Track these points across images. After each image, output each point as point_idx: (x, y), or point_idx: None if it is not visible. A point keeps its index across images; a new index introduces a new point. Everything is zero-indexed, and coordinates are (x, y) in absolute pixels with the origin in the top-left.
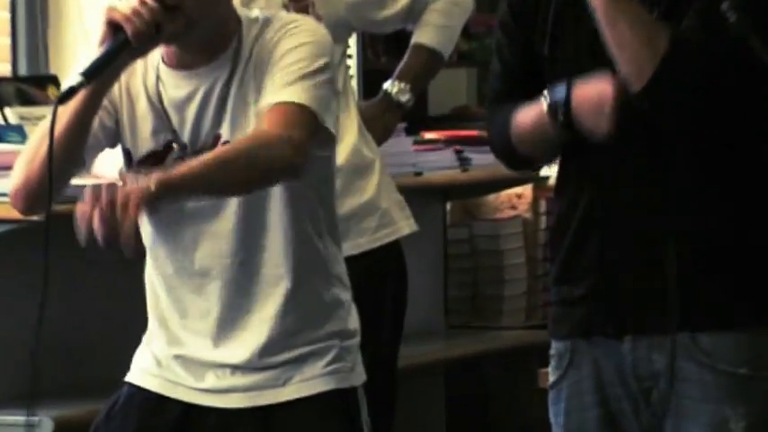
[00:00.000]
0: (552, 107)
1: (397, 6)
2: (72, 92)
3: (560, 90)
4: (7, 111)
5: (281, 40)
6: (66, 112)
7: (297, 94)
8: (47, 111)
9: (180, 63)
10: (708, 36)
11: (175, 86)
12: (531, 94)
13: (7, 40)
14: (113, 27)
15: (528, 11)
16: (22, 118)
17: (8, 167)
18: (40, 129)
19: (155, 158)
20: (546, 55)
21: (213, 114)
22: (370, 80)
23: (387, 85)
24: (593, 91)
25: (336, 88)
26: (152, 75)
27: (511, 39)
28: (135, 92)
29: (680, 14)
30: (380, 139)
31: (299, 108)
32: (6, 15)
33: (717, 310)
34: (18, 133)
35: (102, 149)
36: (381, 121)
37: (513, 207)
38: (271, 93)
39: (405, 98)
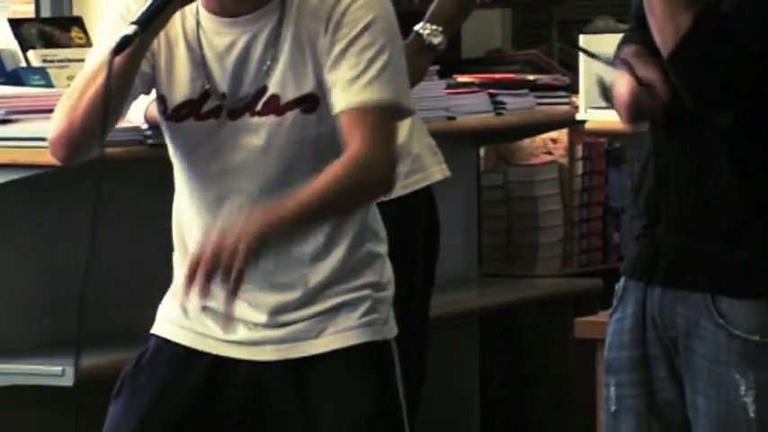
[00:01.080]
0: (600, 84)
1: None
2: (127, 41)
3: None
4: (30, 53)
5: (345, 9)
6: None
7: (378, 92)
8: (70, 53)
9: (223, 10)
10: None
11: (216, 33)
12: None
13: None
14: None
15: None
16: (45, 60)
17: (32, 111)
18: (83, 74)
19: (190, 107)
20: None
21: (257, 65)
22: (402, 23)
23: (418, 27)
24: (619, 83)
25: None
26: (191, 20)
27: None
28: (173, 36)
29: None
30: (412, 83)
31: (383, 110)
32: None
33: (739, 277)
34: (41, 76)
35: (137, 96)
36: (413, 64)
37: (549, 152)
38: (348, 89)
39: (437, 41)
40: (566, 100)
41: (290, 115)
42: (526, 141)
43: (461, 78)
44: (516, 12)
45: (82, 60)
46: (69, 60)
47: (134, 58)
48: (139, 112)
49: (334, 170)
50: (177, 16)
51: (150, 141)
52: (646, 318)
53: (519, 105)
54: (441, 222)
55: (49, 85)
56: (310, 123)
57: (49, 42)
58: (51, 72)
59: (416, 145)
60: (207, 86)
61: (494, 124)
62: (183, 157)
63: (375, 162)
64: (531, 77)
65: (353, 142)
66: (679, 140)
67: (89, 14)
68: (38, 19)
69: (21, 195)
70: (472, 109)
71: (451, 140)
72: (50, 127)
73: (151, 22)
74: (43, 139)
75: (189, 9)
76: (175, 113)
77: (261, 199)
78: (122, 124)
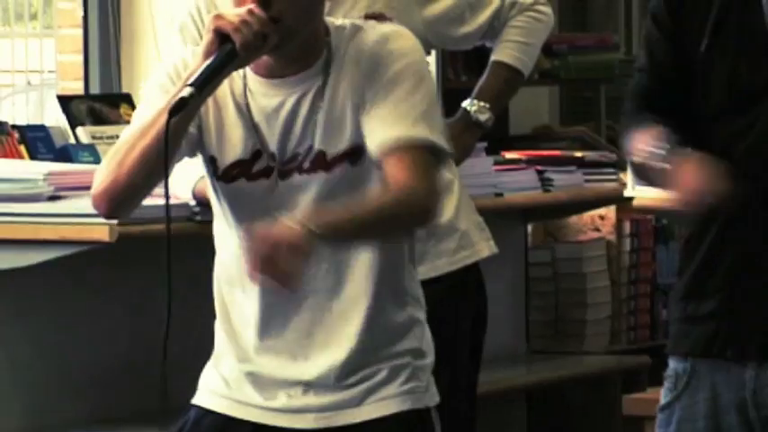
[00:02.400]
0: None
1: (476, 23)
2: (184, 104)
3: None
4: (79, 130)
5: (385, 59)
6: (159, 119)
7: (417, 130)
8: (119, 130)
9: (270, 72)
10: None
11: (264, 95)
12: (677, 95)
13: (80, 58)
14: (221, 36)
15: (686, 5)
16: (94, 137)
17: (80, 188)
18: (130, 132)
19: (241, 167)
20: (702, 55)
21: (303, 124)
22: (450, 99)
23: (466, 103)
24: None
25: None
26: (239, 82)
27: (663, 33)
28: (222, 99)
29: None
30: (460, 159)
31: (423, 147)
32: (79, 32)
33: None
34: (90, 153)
35: (182, 157)
36: (461, 140)
37: (597, 229)
38: (389, 127)
39: (484, 117)
40: (613, 177)
41: (338, 170)
42: (574, 218)
43: (509, 155)
44: (564, 88)
45: None
46: (118, 137)
47: (185, 120)
48: (187, 189)
49: (377, 193)
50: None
51: (198, 218)
52: (719, 402)
53: (567, 182)
54: (489, 298)
55: (98, 161)
56: (358, 175)
57: (98, 119)
58: (100, 149)
59: (464, 221)
60: (257, 147)
61: (541, 201)
62: (233, 216)
63: (418, 191)
64: (578, 154)
65: (396, 176)
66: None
67: (138, 91)
68: (87, 96)
69: (69, 271)
70: (520, 185)
71: (499, 217)
72: (95, 180)
73: (207, 85)
74: (91, 215)
75: (236, 71)
76: (226, 174)
77: (321, 259)
78: (171, 201)
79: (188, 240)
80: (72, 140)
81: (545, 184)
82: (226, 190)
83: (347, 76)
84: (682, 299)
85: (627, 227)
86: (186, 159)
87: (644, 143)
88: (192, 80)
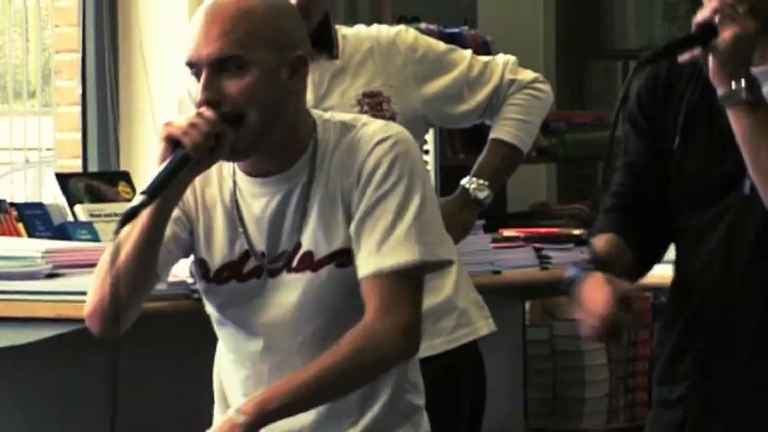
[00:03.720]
0: (566, 282)
1: (475, 101)
2: (135, 212)
3: (575, 272)
4: (77, 208)
5: (374, 170)
6: (135, 230)
7: (400, 254)
8: (117, 208)
9: (255, 170)
10: None
11: (252, 194)
12: (653, 192)
13: (78, 136)
14: (172, 142)
15: (656, 102)
16: (92, 215)
17: (78, 265)
18: (112, 247)
19: (231, 269)
20: (674, 151)
21: (291, 222)
22: (448, 176)
23: (464, 181)
24: (589, 294)
25: (437, 205)
26: (228, 182)
27: (637, 133)
28: (211, 201)
29: None
30: (458, 237)
31: (404, 273)
32: (77, 110)
33: None
34: (88, 230)
35: (176, 261)
36: (459, 218)
37: None
38: (369, 252)
39: (483, 195)
40: None
41: (325, 271)
42: None
43: (507, 232)
44: (561, 166)
45: None
46: (116, 215)
47: (155, 226)
48: (185, 266)
49: (341, 348)
50: (215, 180)
51: (196, 296)
52: None
53: (564, 259)
54: (487, 376)
55: (96, 239)
56: (345, 277)
57: (97, 197)
58: (98, 226)
59: (462, 299)
60: (246, 247)
61: (539, 278)
62: (225, 315)
63: (385, 335)
64: (576, 232)
65: (369, 310)
66: (735, 292)
67: (136, 169)
68: (85, 174)
69: (67, 349)
70: (518, 263)
71: (497, 295)
72: (87, 301)
73: (159, 192)
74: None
75: (227, 171)
76: (217, 276)
77: (301, 353)
78: (170, 278)
79: (187, 317)
80: (70, 218)
81: (543, 261)
82: (217, 291)
83: (336, 179)
84: (657, 383)
85: None
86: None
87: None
88: (144, 188)
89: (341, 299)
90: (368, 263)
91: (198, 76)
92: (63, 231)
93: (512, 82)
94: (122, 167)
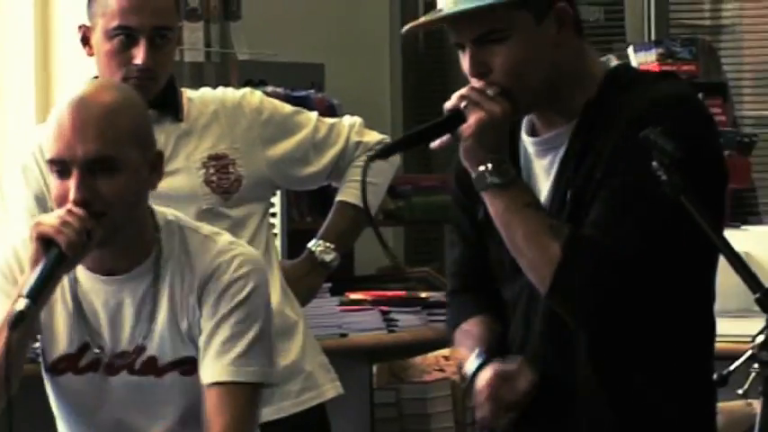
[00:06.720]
0: (464, 377)
1: (321, 163)
2: (22, 317)
3: (472, 365)
4: None
5: (223, 282)
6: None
7: (244, 371)
8: None
9: (99, 267)
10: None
11: (93, 290)
12: (482, 263)
13: None
14: (44, 242)
15: (469, 177)
16: None
17: None
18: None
19: (68, 361)
20: (481, 223)
21: (133, 323)
22: (295, 239)
23: (311, 244)
24: (481, 381)
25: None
26: (69, 275)
27: (459, 206)
28: None
29: (590, 198)
30: (305, 300)
31: (246, 389)
32: None
33: None
34: None
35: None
36: (305, 281)
37: (441, 369)
38: (217, 364)
39: (329, 258)
40: None
41: (169, 377)
42: (419, 358)
43: (354, 296)
44: (408, 229)
45: None
46: None
47: (28, 328)
48: None
49: None
50: None
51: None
52: None
53: (411, 323)
54: None
55: None
56: (189, 385)
57: None
58: None
59: (309, 362)
60: (85, 339)
61: (386, 341)
62: (65, 410)
63: None
64: (423, 295)
65: (217, 423)
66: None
67: None
68: None
69: None
70: (365, 326)
71: (344, 357)
72: None
73: (42, 293)
74: None
75: None
76: (54, 367)
77: None
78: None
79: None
80: None
81: (390, 324)
82: (54, 382)
83: (181, 284)
84: None
85: None
86: None
87: (465, 349)
88: (25, 291)
89: (183, 406)
90: (217, 371)
91: (61, 173)
92: None
93: (358, 144)
94: None
